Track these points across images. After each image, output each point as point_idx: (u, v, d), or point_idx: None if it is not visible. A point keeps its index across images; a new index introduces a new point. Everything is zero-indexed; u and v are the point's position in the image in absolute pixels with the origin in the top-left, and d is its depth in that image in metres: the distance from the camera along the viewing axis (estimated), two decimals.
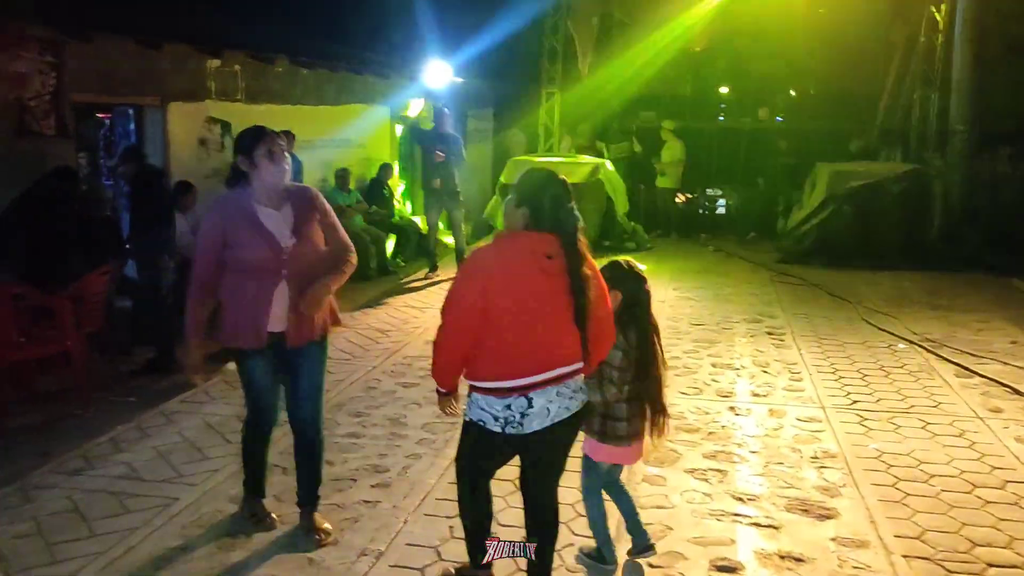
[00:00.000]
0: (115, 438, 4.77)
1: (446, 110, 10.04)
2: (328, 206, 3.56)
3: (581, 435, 3.13)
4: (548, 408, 2.78)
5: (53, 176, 6.35)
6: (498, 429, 2.78)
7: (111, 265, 6.18)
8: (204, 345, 3.44)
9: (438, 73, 11.34)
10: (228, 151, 8.89)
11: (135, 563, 3.38)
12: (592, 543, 3.47)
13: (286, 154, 3.40)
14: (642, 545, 3.44)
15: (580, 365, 2.86)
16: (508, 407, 2.75)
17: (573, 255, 2.77)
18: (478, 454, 2.94)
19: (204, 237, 3.38)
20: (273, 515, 3.73)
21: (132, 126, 8.37)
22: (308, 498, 3.67)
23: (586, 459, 3.38)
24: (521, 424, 2.77)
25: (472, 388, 2.84)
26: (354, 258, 3.57)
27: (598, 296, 2.84)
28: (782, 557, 3.55)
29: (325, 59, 9.90)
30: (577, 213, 2.84)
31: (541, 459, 2.94)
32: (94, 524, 3.70)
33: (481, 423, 2.80)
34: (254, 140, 3.37)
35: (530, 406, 2.76)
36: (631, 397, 3.24)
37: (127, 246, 6.85)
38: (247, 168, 3.38)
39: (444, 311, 2.81)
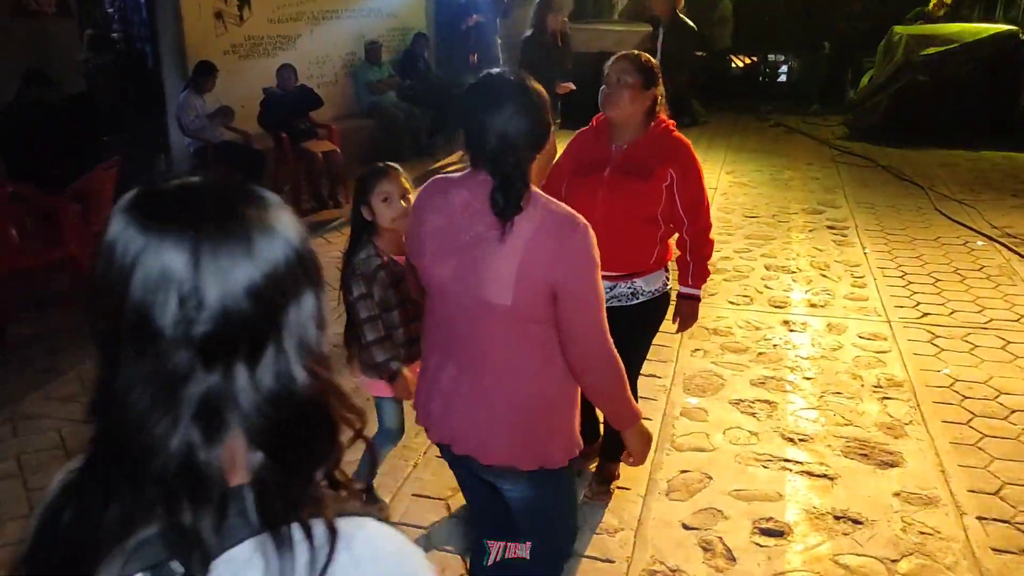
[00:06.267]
0: None
1: None
2: None
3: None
4: None
5: (29, 84, 5.79)
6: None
7: (117, 158, 5.76)
8: None
9: None
10: (247, 25, 8.25)
11: None
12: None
13: None
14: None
15: None
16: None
17: None
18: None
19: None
20: None
21: None
22: None
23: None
24: None
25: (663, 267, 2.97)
26: None
27: None
28: (836, 518, 3.12)
29: None
30: None
31: None
32: None
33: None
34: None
35: None
36: None
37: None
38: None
39: (706, 209, 2.90)
